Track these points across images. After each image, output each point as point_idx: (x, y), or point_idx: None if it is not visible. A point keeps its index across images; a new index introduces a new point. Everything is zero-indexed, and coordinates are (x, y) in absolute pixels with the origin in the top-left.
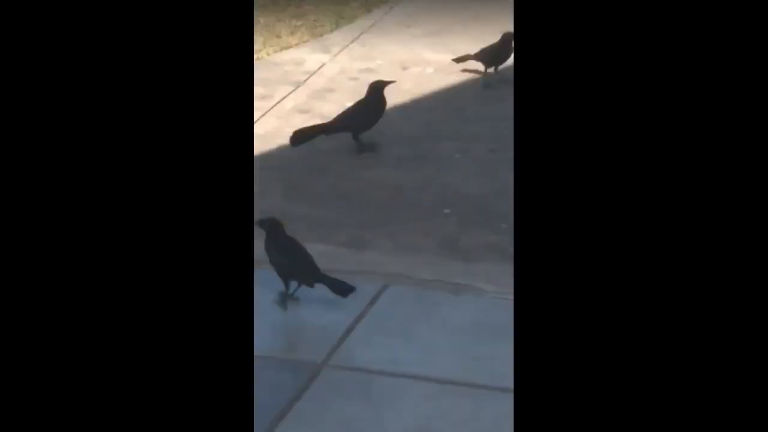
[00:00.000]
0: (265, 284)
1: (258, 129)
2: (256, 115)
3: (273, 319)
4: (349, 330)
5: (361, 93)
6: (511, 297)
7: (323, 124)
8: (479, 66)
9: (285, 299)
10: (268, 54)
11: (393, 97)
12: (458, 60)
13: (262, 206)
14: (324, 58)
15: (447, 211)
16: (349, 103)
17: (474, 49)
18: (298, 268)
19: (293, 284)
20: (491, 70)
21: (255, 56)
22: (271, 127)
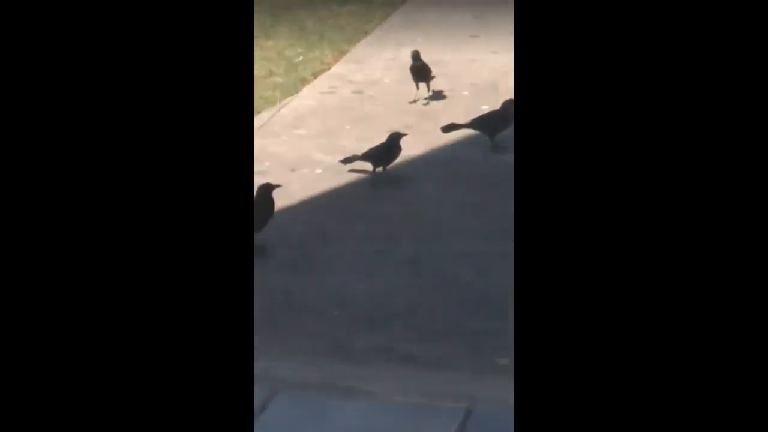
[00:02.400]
0: None
1: None
2: None
3: None
4: None
5: None
6: (399, 399)
7: None
8: (367, 166)
9: None
10: None
11: (281, 199)
12: (346, 160)
13: None
14: None
15: (336, 313)
16: None
17: (362, 149)
18: None
19: None
20: (379, 169)
21: None
22: None
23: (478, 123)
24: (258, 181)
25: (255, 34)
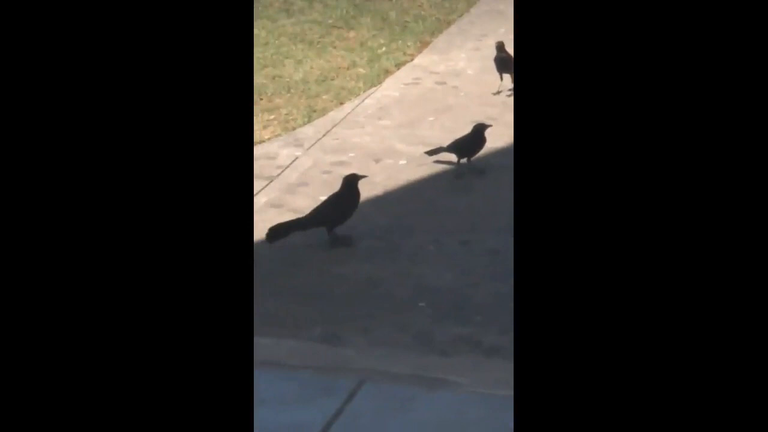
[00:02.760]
0: None
1: None
2: None
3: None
4: (327, 428)
5: (333, 186)
6: (486, 390)
7: (298, 220)
8: (452, 157)
9: None
10: None
11: (366, 190)
12: (430, 152)
13: None
14: (296, 151)
15: (422, 304)
16: (323, 197)
17: (446, 141)
18: None
19: None
20: (464, 161)
21: None
22: None
23: None
24: (342, 171)
25: (338, 25)
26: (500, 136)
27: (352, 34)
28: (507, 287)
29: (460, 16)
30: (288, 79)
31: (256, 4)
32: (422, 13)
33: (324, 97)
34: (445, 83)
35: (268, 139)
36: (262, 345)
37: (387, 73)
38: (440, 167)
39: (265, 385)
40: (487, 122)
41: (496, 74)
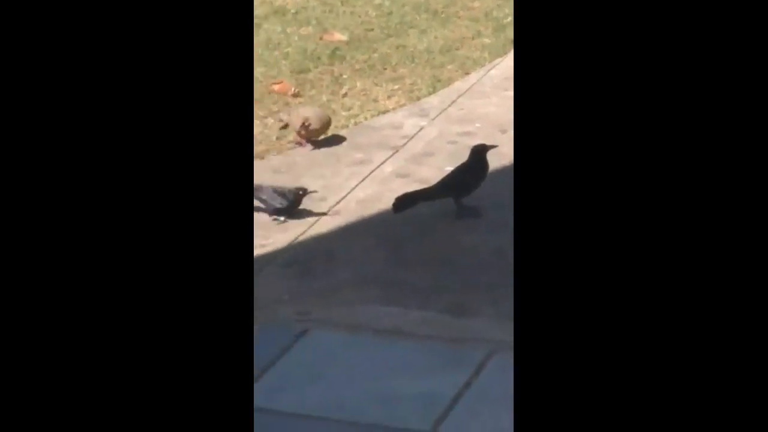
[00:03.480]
0: (372, 353)
1: (357, 193)
2: (355, 180)
3: (378, 387)
4: (456, 399)
5: (459, 156)
6: None
7: (425, 189)
8: None
9: None
10: (366, 118)
11: (492, 160)
12: None
13: (363, 272)
14: (422, 121)
15: None
16: (449, 167)
17: None
18: None
19: None
20: None
21: (353, 121)
22: (371, 191)
23: None
24: (468, 142)
25: None
26: None
27: (476, 3)
28: None
29: None
30: (412, 49)
31: None
32: None
33: (449, 67)
34: None
35: (393, 109)
36: (390, 314)
37: (512, 43)
38: None
39: (393, 355)
40: None
41: None
